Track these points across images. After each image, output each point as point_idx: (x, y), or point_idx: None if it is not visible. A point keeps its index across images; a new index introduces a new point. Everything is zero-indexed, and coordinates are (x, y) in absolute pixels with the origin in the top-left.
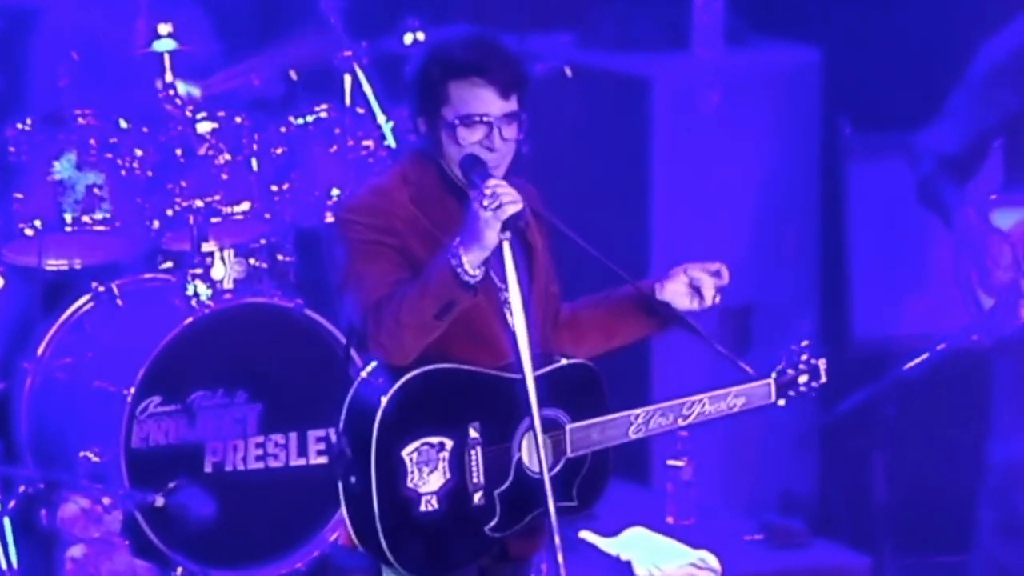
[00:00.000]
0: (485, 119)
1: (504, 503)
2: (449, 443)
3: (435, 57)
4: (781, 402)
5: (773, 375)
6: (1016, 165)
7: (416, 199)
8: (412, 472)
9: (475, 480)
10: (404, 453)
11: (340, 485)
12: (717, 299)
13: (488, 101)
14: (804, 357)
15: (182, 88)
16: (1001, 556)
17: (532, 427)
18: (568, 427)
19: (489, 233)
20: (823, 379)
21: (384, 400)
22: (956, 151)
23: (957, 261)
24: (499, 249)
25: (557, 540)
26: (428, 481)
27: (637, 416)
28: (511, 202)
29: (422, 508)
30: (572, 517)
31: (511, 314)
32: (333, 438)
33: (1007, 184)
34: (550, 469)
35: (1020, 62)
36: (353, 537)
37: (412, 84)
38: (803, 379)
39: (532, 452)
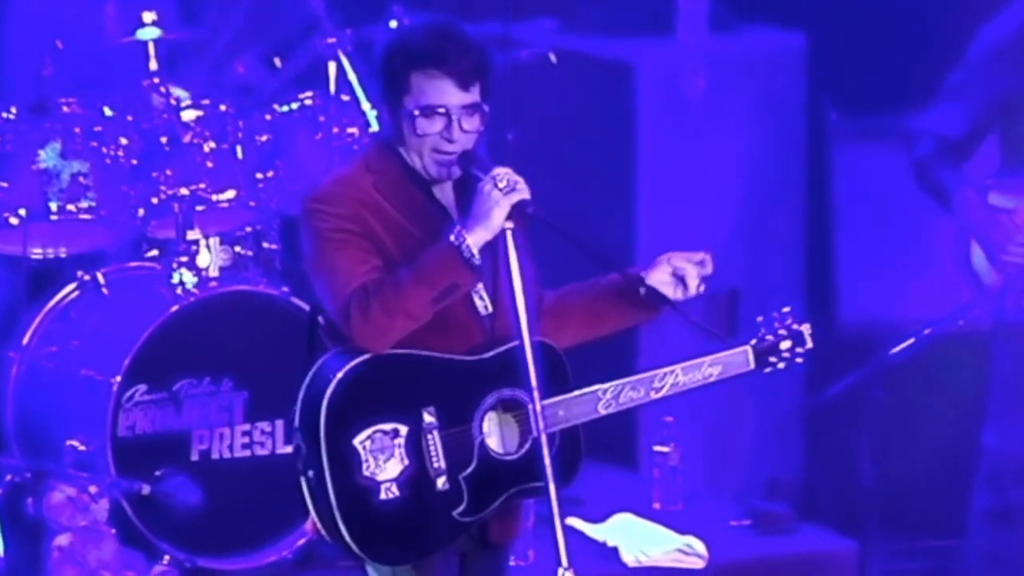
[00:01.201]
0: (443, 111)
1: (471, 487)
2: (403, 429)
3: (396, 47)
4: (767, 370)
5: (752, 342)
6: (1012, 150)
7: (380, 187)
8: (367, 461)
9: (436, 465)
10: (356, 442)
11: (302, 480)
12: (701, 288)
13: (447, 92)
14: (786, 322)
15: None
16: (993, 543)
17: (492, 408)
18: (531, 406)
19: (498, 214)
20: (808, 344)
21: (328, 391)
22: (955, 133)
23: (957, 243)
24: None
25: (558, 524)
26: (385, 469)
27: (606, 391)
28: (523, 188)
29: (382, 496)
30: (539, 496)
31: (480, 299)
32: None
33: (1003, 169)
34: (516, 450)
35: (1020, 43)
36: (321, 531)
37: (375, 72)
38: (785, 345)
39: (497, 434)
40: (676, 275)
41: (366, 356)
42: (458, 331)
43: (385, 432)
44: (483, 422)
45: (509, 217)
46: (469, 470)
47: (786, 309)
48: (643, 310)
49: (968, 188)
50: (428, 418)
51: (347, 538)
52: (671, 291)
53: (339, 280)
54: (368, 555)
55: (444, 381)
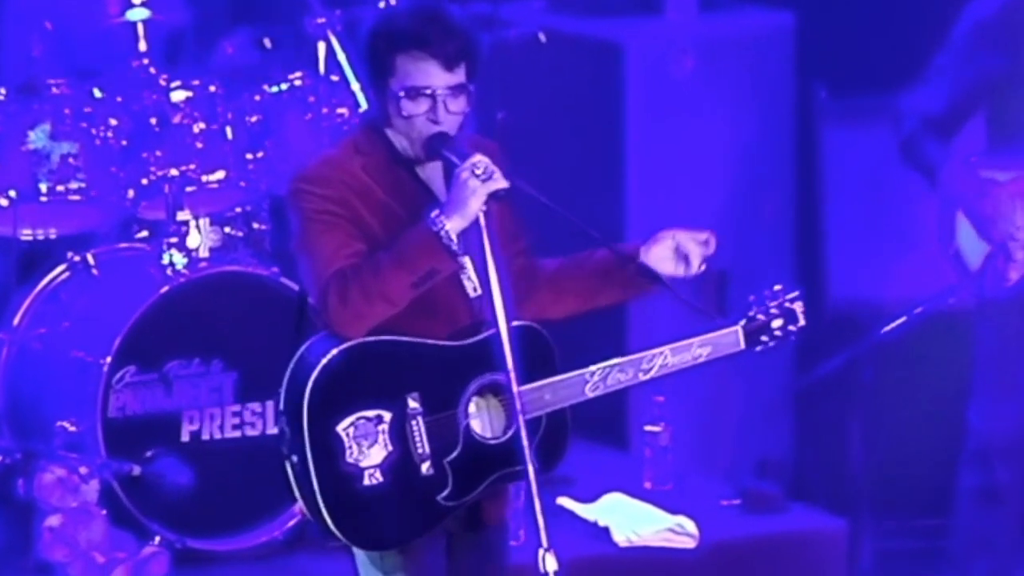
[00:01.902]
0: (428, 92)
1: (456, 472)
2: (387, 415)
3: (381, 29)
4: (758, 348)
5: (742, 322)
6: (998, 128)
7: (369, 170)
8: (351, 447)
9: (420, 450)
10: (339, 429)
11: (286, 465)
12: (702, 267)
13: (432, 74)
14: (778, 301)
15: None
16: (980, 522)
17: (478, 393)
18: (517, 390)
19: (474, 202)
20: (801, 322)
21: (312, 377)
22: (940, 111)
23: (941, 221)
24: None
25: (537, 505)
26: (369, 455)
27: (593, 374)
28: (499, 177)
29: (366, 482)
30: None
31: (468, 281)
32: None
33: (989, 148)
34: (502, 434)
35: (1005, 21)
36: (307, 515)
37: (361, 54)
38: (777, 323)
39: (482, 418)
40: (679, 252)
41: (351, 342)
42: (447, 314)
43: (368, 419)
44: (468, 407)
45: (485, 202)
46: (454, 455)
47: (777, 287)
48: (637, 286)
49: (957, 162)
50: (412, 404)
51: (330, 524)
52: (671, 267)
53: (319, 263)
54: (352, 540)
55: (429, 367)
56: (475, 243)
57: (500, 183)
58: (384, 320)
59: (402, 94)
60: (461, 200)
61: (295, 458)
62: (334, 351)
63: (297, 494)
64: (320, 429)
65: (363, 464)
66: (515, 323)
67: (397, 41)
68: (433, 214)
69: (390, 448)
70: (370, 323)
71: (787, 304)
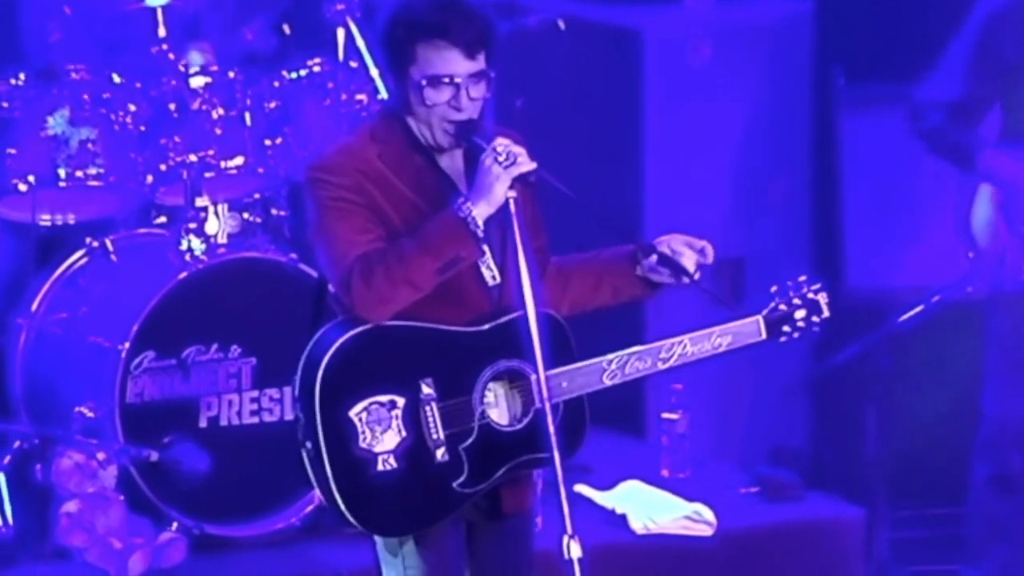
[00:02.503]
0: (451, 80)
1: (471, 458)
2: (401, 400)
3: (400, 18)
4: (781, 339)
5: (764, 312)
6: (1013, 118)
7: (384, 157)
8: (363, 432)
9: (434, 436)
10: (352, 414)
11: (302, 452)
12: (697, 275)
13: (454, 62)
14: (802, 291)
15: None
16: (994, 509)
17: (494, 379)
18: (533, 377)
19: (499, 188)
20: (825, 313)
21: (323, 363)
22: (959, 97)
23: (957, 212)
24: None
25: (563, 492)
26: (382, 440)
27: (611, 362)
28: (524, 160)
29: (379, 468)
30: (544, 467)
31: (487, 269)
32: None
33: (1004, 137)
34: (518, 421)
35: (1018, 11)
36: (324, 501)
37: (380, 43)
38: (800, 314)
39: (498, 405)
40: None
41: (363, 327)
42: (465, 301)
43: (382, 404)
44: (484, 393)
45: (512, 187)
46: (469, 441)
47: (802, 278)
48: (643, 285)
49: (994, 149)
50: (426, 389)
51: (343, 509)
52: (666, 275)
53: (340, 249)
54: (365, 526)
55: (443, 352)
56: (497, 230)
57: (524, 167)
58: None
59: (424, 82)
60: (486, 186)
61: (309, 444)
62: (347, 335)
63: (312, 480)
64: (332, 414)
65: (376, 449)
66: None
67: (418, 30)
68: (459, 200)
69: (404, 434)
70: (395, 307)
71: (811, 295)
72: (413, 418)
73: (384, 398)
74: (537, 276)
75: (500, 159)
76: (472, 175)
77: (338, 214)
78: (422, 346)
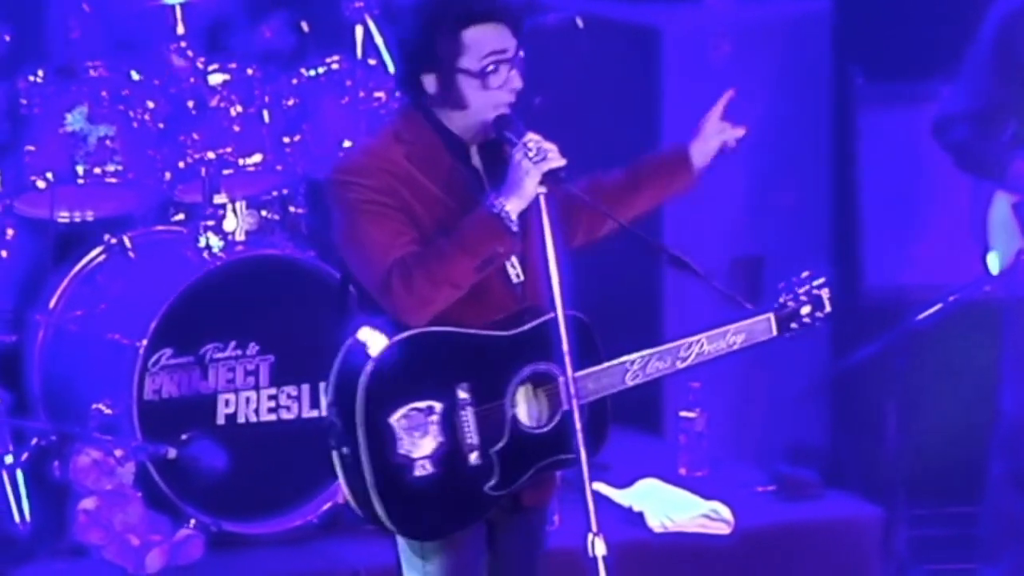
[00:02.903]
0: (506, 56)
1: (502, 461)
2: (438, 406)
3: (439, 12)
4: (786, 335)
5: (774, 308)
6: None
7: (412, 157)
8: (402, 438)
9: (469, 441)
10: (392, 420)
11: (334, 456)
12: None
13: (505, 39)
14: (806, 287)
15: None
16: (1011, 507)
17: (523, 382)
18: (561, 379)
19: (529, 184)
20: (827, 308)
21: (367, 370)
22: (984, 107)
23: (972, 216)
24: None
25: (588, 491)
26: (420, 446)
27: (633, 362)
28: (554, 156)
29: (416, 473)
30: (569, 467)
31: (512, 267)
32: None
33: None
34: (547, 423)
35: None
36: (352, 505)
37: (414, 43)
38: (806, 310)
39: (527, 407)
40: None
41: (402, 335)
42: (490, 299)
43: (420, 410)
44: (515, 396)
45: (542, 183)
46: (500, 445)
47: (805, 274)
48: (679, 176)
49: (1019, 157)
50: (462, 394)
51: (381, 514)
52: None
53: (376, 252)
54: (402, 531)
55: (477, 357)
56: (521, 227)
57: (555, 162)
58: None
59: (488, 67)
60: (516, 182)
61: (346, 449)
62: (385, 345)
63: (344, 484)
64: (374, 421)
65: (414, 455)
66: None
67: (464, 18)
68: (492, 197)
69: (440, 439)
70: (436, 308)
71: (814, 291)
72: (449, 423)
73: (422, 404)
74: (567, 273)
75: (531, 154)
76: (492, 170)
77: (370, 217)
78: (458, 351)
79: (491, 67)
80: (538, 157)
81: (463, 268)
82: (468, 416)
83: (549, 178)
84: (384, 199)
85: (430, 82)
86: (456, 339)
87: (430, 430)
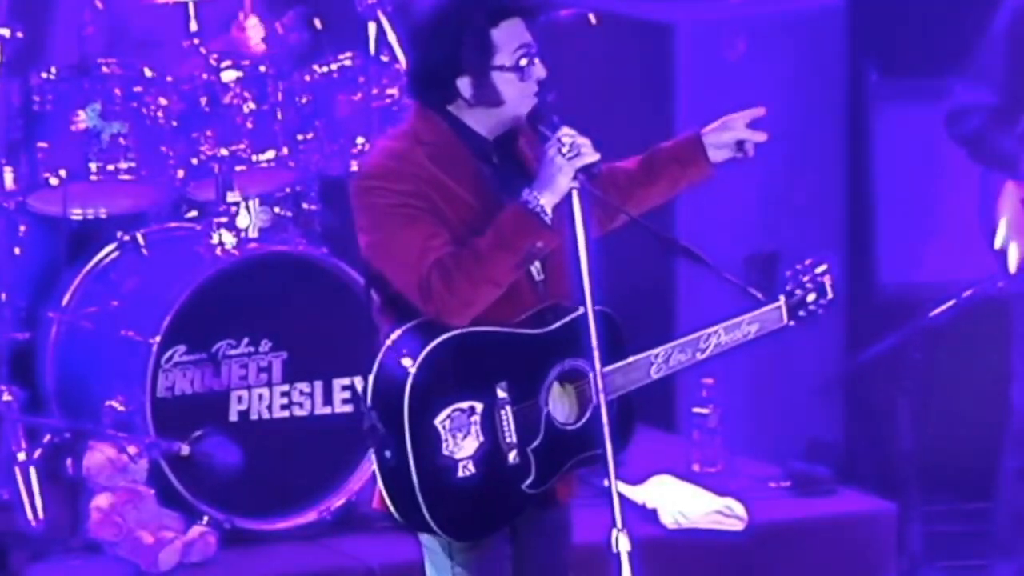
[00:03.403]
0: (533, 48)
1: (538, 459)
2: (479, 406)
3: (466, 15)
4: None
5: (782, 297)
6: None
7: (434, 158)
8: (446, 440)
9: (508, 440)
10: (436, 422)
11: (375, 460)
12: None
13: (525, 32)
14: (810, 275)
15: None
16: (1023, 503)
17: (557, 380)
18: (591, 375)
19: (562, 179)
20: (830, 295)
21: (412, 372)
22: (997, 100)
23: (982, 214)
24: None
25: (614, 487)
26: (463, 447)
27: (657, 356)
28: (588, 152)
29: (460, 474)
30: (598, 464)
31: (539, 269)
32: (359, 386)
33: None
34: (578, 420)
35: None
36: (393, 512)
37: (442, 53)
38: (811, 297)
39: (559, 405)
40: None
41: (444, 336)
42: (516, 297)
43: (463, 410)
44: (549, 394)
45: (575, 178)
46: (536, 442)
47: (808, 261)
48: (693, 167)
49: None
50: (501, 394)
51: (427, 516)
52: (729, 152)
53: (412, 257)
54: (447, 532)
55: (513, 356)
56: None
57: (588, 158)
58: None
59: (522, 61)
60: (549, 178)
61: (388, 453)
62: (430, 345)
63: (383, 487)
64: (419, 423)
65: (457, 456)
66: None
67: (495, 15)
68: (526, 192)
69: (481, 439)
70: (477, 309)
71: (818, 278)
72: (489, 423)
73: (465, 404)
74: (597, 270)
75: (564, 150)
76: (509, 169)
77: (403, 221)
78: (496, 351)
79: (524, 60)
80: (572, 153)
81: (503, 266)
82: (507, 415)
83: (582, 174)
84: (415, 202)
85: (465, 85)
86: (494, 338)
87: (472, 430)
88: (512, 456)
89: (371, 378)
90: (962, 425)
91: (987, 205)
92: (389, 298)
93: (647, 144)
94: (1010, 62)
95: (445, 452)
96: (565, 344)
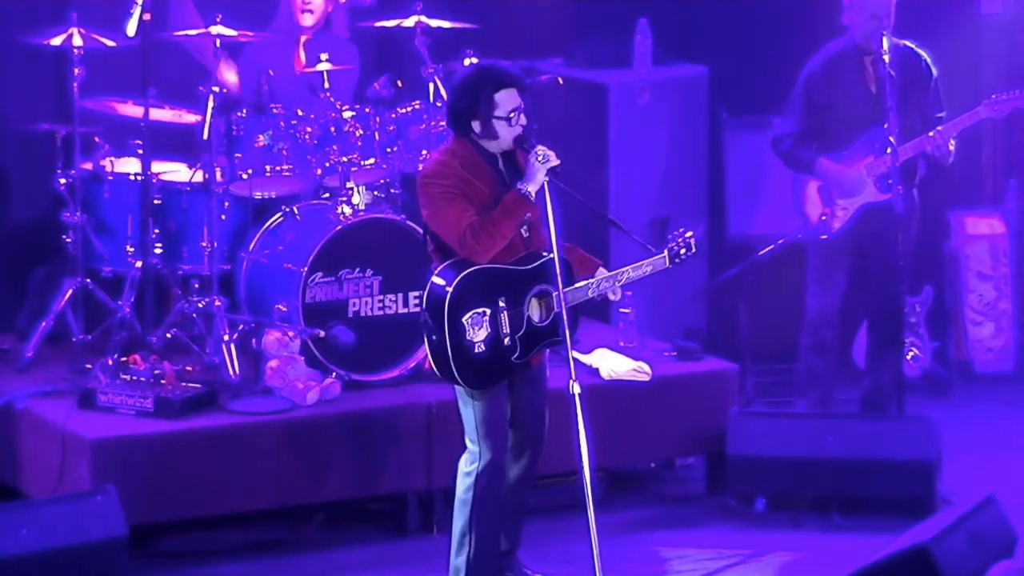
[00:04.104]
0: (520, 107)
1: (522, 342)
2: (488, 311)
3: (482, 84)
4: (672, 266)
5: (666, 251)
6: (829, 138)
7: (464, 165)
8: (469, 331)
9: (505, 331)
10: (463, 320)
11: (425, 341)
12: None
13: (517, 97)
14: (682, 238)
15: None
16: (812, 365)
17: (534, 296)
18: (554, 294)
19: (539, 176)
20: (694, 250)
21: (449, 291)
22: (800, 129)
23: (793, 194)
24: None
25: (571, 356)
26: (478, 335)
27: (592, 283)
28: (553, 159)
29: (476, 351)
30: (559, 345)
31: (526, 229)
32: (423, 303)
33: (820, 149)
34: (546, 320)
35: (826, 72)
36: (437, 372)
37: (465, 104)
38: (683, 252)
39: (535, 311)
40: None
41: (467, 270)
42: (511, 247)
43: (479, 312)
44: (530, 304)
45: (546, 175)
46: (521, 332)
47: (681, 229)
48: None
49: (824, 158)
50: (501, 303)
51: (456, 375)
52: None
53: (452, 222)
54: (469, 384)
55: (509, 282)
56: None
57: (554, 162)
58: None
59: (512, 115)
60: (532, 174)
61: (435, 337)
62: (459, 276)
63: (431, 357)
64: (453, 320)
65: (475, 340)
66: (550, 255)
67: (499, 85)
68: (519, 184)
69: (489, 330)
70: (493, 253)
71: (688, 239)
72: (494, 321)
73: (480, 309)
74: (560, 230)
75: (539, 159)
76: (511, 170)
77: (448, 200)
78: (499, 279)
79: (513, 115)
80: (544, 160)
81: (509, 226)
82: (504, 317)
83: (551, 172)
84: (454, 190)
85: (476, 125)
86: (498, 271)
87: (484, 325)
88: (507, 340)
89: (425, 293)
90: (777, 318)
91: (796, 191)
92: (438, 246)
93: (592, 160)
94: (804, 107)
95: (467, 338)
96: (540, 276)
